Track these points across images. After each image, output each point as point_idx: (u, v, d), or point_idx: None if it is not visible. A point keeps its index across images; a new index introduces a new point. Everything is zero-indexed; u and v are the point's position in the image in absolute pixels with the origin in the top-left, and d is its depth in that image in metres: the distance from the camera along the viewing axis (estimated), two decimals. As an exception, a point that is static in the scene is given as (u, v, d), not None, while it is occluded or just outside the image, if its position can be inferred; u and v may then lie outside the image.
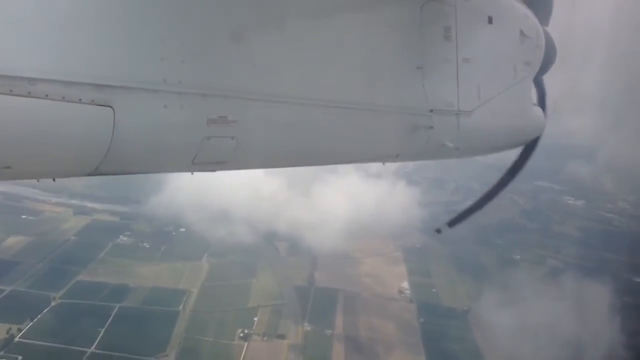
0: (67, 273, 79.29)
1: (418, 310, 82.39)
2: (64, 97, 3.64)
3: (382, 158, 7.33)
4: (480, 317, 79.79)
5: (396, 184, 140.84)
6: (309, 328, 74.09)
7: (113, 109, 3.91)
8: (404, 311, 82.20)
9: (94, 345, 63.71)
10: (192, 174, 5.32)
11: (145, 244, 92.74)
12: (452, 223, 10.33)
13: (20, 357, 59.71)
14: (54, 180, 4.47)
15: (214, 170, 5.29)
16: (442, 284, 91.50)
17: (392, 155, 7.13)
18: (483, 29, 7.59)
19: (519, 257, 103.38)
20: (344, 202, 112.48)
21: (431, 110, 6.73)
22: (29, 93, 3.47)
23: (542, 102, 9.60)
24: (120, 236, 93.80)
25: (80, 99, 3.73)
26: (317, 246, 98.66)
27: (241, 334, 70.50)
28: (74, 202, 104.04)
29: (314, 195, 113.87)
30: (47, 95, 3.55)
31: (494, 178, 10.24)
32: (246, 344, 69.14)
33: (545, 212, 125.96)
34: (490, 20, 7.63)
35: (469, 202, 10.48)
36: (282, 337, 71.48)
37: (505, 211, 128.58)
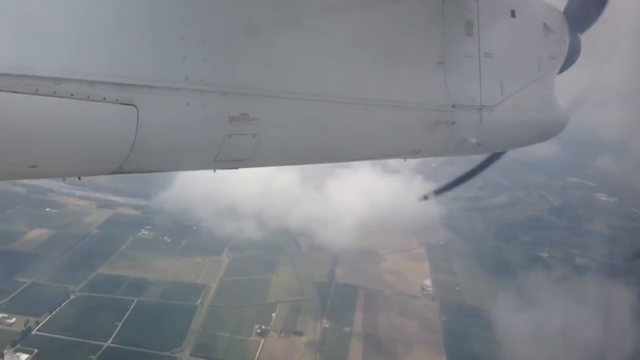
0: (88, 266, 79.60)
1: (440, 309, 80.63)
2: (88, 97, 3.72)
3: (404, 154, 7.30)
4: (504, 316, 77.76)
5: (419, 179, 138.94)
6: (327, 325, 72.98)
7: (137, 108, 4.00)
8: (425, 309, 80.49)
9: (111, 340, 63.57)
10: (215, 171, 5.27)
11: (166, 237, 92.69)
12: (438, 192, 10.99)
13: (36, 350, 59.79)
14: (79, 178, 4.58)
15: (236, 168, 5.30)
16: (466, 282, 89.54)
17: (414, 151, 7.06)
18: (506, 23, 7.50)
19: (546, 255, 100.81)
20: (365, 198, 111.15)
21: (453, 106, 6.68)
22: (55, 93, 3.54)
23: None
24: (142, 230, 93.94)
25: (104, 98, 3.82)
26: (339, 242, 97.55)
27: (258, 330, 69.72)
28: (97, 195, 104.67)
29: (334, 190, 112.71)
30: (72, 95, 3.63)
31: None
32: (263, 340, 68.29)
33: (576, 209, 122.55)
34: (513, 14, 7.54)
35: (457, 174, 10.77)
36: (299, 333, 70.46)
37: (534, 208, 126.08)
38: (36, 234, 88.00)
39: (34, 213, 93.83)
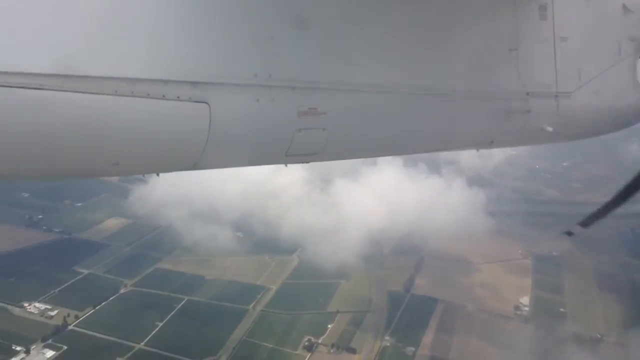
0: (149, 259, 77.56)
1: (533, 333, 67.58)
2: (164, 96, 3.82)
3: (476, 145, 7.21)
4: (615, 350, 63.74)
5: (547, 178, 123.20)
6: (388, 343, 63.70)
7: (209, 105, 4.06)
8: (514, 333, 67.84)
9: (144, 342, 59.85)
10: (286, 165, 5.34)
11: (239, 233, 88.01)
12: (585, 223, 9.47)
13: (65, 347, 57.46)
14: (157, 175, 4.97)
15: (306, 162, 5.33)
16: (575, 303, 75.40)
17: (487, 141, 6.91)
18: (582, 5, 7.30)
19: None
20: (467, 196, 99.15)
21: (527, 94, 6.55)
22: (132, 93, 3.67)
23: None
24: (215, 224, 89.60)
25: (178, 97, 3.90)
26: (428, 247, 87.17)
27: (306, 343, 62.30)
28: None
29: (425, 188, 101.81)
30: (148, 94, 3.75)
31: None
32: (309, 355, 60.92)
33: None
34: None
35: (605, 200, 9.48)
36: (352, 351, 62.21)
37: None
38: (111, 223, 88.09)
39: (117, 202, 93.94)
